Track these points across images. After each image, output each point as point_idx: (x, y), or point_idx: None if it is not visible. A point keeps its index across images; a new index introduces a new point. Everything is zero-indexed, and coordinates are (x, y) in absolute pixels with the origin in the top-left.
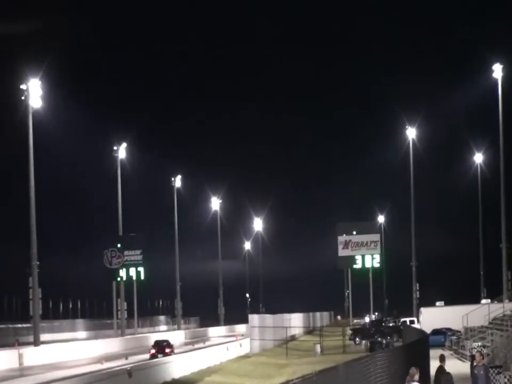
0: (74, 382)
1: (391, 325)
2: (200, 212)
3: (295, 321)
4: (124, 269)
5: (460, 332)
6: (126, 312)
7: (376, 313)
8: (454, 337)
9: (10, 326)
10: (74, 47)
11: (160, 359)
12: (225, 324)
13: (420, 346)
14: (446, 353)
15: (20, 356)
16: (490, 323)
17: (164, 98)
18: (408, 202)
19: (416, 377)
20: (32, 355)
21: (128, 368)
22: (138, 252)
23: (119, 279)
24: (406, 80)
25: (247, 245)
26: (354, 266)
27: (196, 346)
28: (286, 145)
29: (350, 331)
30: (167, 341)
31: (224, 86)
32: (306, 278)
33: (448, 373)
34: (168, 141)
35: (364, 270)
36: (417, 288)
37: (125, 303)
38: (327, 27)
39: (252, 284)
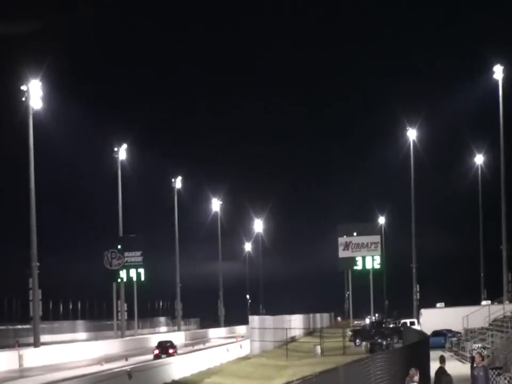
0: None
1: (391, 326)
2: (201, 213)
3: (295, 323)
4: (124, 270)
5: (460, 333)
6: (126, 313)
7: (377, 315)
8: (454, 339)
9: (10, 327)
10: (74, 48)
11: (160, 360)
12: (225, 325)
13: (420, 347)
14: (446, 354)
15: (20, 357)
16: (490, 324)
17: (164, 98)
18: (409, 204)
19: (416, 378)
20: (32, 356)
21: (128, 370)
22: (138, 253)
23: (119, 280)
24: (406, 81)
25: (247, 246)
26: (355, 267)
27: (196, 347)
28: (286, 145)
29: (350, 332)
30: (170, 342)
31: (224, 85)
32: (307, 279)
33: (448, 375)
34: (168, 141)
35: (364, 272)
36: (418, 289)
37: (125, 304)
38: (327, 27)
39: (252, 285)
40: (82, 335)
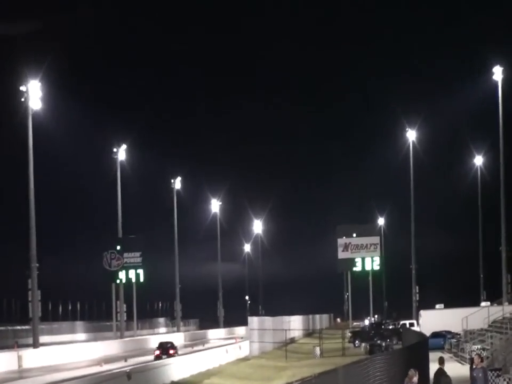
0: None
1: (390, 327)
2: (200, 214)
3: (295, 324)
4: (123, 271)
5: (459, 334)
6: (125, 314)
7: (376, 316)
8: (453, 340)
9: (9, 328)
10: (74, 48)
11: (160, 361)
12: (224, 326)
13: (419, 349)
14: (446, 356)
15: (19, 358)
16: (489, 326)
17: (164, 98)
18: (408, 204)
19: (415, 379)
20: (31, 357)
21: (128, 371)
22: (137, 254)
23: (118, 281)
24: (406, 81)
25: (247, 247)
26: (354, 269)
27: (195, 348)
28: (286, 145)
29: (349, 334)
30: (171, 343)
31: (224, 85)
32: (306, 281)
33: (448, 376)
34: (168, 141)
35: (363, 273)
36: (417, 290)
37: (124, 305)
38: (327, 27)
39: (252, 286)
40: (81, 336)
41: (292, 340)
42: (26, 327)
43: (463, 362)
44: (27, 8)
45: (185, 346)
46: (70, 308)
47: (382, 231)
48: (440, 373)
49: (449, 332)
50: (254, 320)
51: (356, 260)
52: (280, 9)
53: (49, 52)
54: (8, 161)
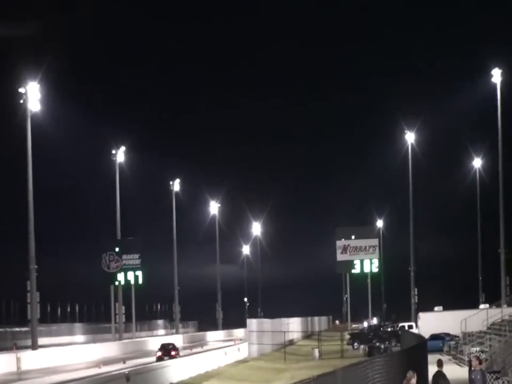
0: None
1: (389, 329)
2: (199, 216)
3: (293, 326)
4: (122, 273)
5: (458, 337)
6: (124, 316)
7: (375, 318)
8: (452, 342)
9: (8, 329)
10: (73, 49)
11: (158, 363)
12: (223, 328)
13: (418, 351)
14: (444, 358)
15: (18, 360)
16: (488, 328)
17: (163, 99)
18: (407, 207)
19: (413, 381)
20: (30, 359)
21: (126, 372)
22: (136, 256)
23: (117, 283)
24: (406, 81)
25: (246, 249)
26: (353, 271)
27: (194, 350)
28: (286, 146)
29: (348, 336)
30: (172, 344)
31: (223, 86)
32: (305, 283)
33: (446, 378)
34: (167, 142)
35: (362, 275)
36: (416, 293)
37: (123, 307)
38: (327, 27)
39: (250, 288)
40: (80, 337)
41: (291, 342)
42: (25, 328)
43: (461, 364)
44: (26, 9)
45: (184, 348)
46: (68, 309)
47: (381, 233)
48: (439, 375)
49: (448, 334)
50: (252, 322)
51: (355, 262)
52: (280, 8)
53: (48, 53)
54: (7, 162)
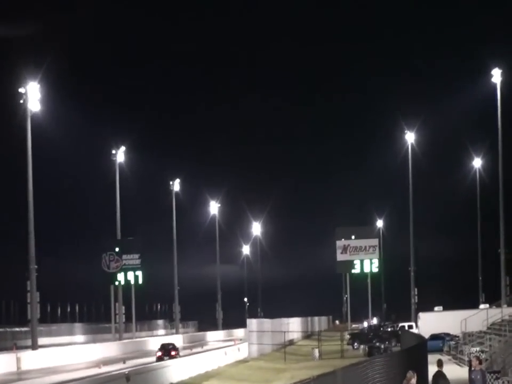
0: None
1: (389, 329)
2: (199, 216)
3: (294, 326)
4: (122, 273)
5: (458, 337)
6: (124, 316)
7: (375, 318)
8: (452, 342)
9: (8, 329)
10: (73, 49)
11: (158, 363)
12: (223, 328)
13: (418, 351)
14: (444, 358)
15: (18, 360)
16: (488, 328)
17: (162, 99)
18: (407, 207)
19: (413, 381)
20: (30, 359)
21: (126, 372)
22: (136, 255)
23: (117, 283)
24: (406, 81)
25: (246, 249)
26: (353, 271)
27: (194, 350)
28: (286, 146)
29: (348, 336)
30: (172, 344)
31: (223, 86)
32: (305, 282)
33: (446, 378)
34: (167, 142)
35: (362, 275)
36: (416, 293)
37: (123, 307)
38: (327, 27)
39: (250, 288)
40: (80, 337)
41: (291, 342)
42: (25, 328)
43: (461, 364)
44: (26, 9)
45: (184, 348)
46: (68, 309)
47: (381, 233)
48: (439, 375)
49: (448, 334)
50: (252, 322)
51: (355, 262)
52: (280, 8)
53: (48, 53)
54: (7, 162)
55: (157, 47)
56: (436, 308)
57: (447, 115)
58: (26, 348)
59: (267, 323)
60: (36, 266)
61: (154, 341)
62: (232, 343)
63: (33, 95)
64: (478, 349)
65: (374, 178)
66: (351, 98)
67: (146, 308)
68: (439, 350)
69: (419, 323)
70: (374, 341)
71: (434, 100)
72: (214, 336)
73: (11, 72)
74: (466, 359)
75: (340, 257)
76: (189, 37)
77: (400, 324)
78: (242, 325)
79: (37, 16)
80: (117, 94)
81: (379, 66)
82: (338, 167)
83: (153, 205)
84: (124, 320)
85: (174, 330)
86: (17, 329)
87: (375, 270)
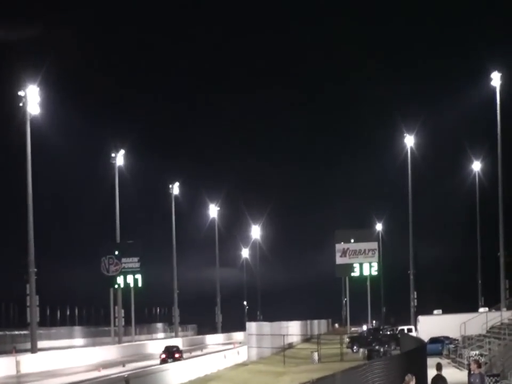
0: None
1: (388, 333)
2: (198, 219)
3: (293, 329)
4: (122, 276)
5: (457, 340)
6: (123, 319)
7: (374, 321)
8: (451, 346)
9: (7, 333)
10: (72, 53)
11: (158, 366)
12: (222, 332)
13: (417, 354)
14: (444, 361)
15: (17, 363)
16: (488, 332)
17: (162, 101)
18: (406, 210)
19: None
20: (30, 362)
21: (126, 376)
22: (135, 259)
23: (116, 286)
24: (406, 82)
25: (245, 253)
26: (352, 274)
27: (194, 353)
28: (286, 149)
29: (347, 339)
30: (176, 347)
31: (222, 87)
32: (304, 286)
33: (445, 382)
34: (166, 145)
35: (361, 278)
36: (415, 296)
37: (123, 311)
38: (327, 27)
39: (250, 291)
40: (79, 341)
41: (290, 345)
42: (25, 332)
43: (461, 368)
44: (25, 12)
45: (184, 351)
46: (68, 313)
47: (380, 236)
48: (438, 378)
49: (447, 338)
50: (252, 326)
51: (354, 265)
52: (280, 8)
53: (48, 56)
54: (7, 166)
55: (157, 46)
56: (435, 311)
57: (447, 118)
58: (25, 351)
59: (266, 326)
60: (36, 270)
61: (153, 344)
62: (231, 346)
63: (32, 98)
64: (477, 352)
65: (373, 182)
66: (351, 99)
67: (146, 311)
68: (439, 354)
69: (418, 326)
70: (373, 344)
71: (433, 102)
72: (213, 340)
73: (10, 75)
74: (466, 362)
75: (339, 260)
76: (188, 37)
77: (400, 327)
78: (242, 328)
79: (36, 19)
80: (117, 96)
81: (379, 67)
82: (338, 170)
83: (152, 208)
84: (123, 323)
85: (173, 334)
86: (16, 332)
87: (374, 273)
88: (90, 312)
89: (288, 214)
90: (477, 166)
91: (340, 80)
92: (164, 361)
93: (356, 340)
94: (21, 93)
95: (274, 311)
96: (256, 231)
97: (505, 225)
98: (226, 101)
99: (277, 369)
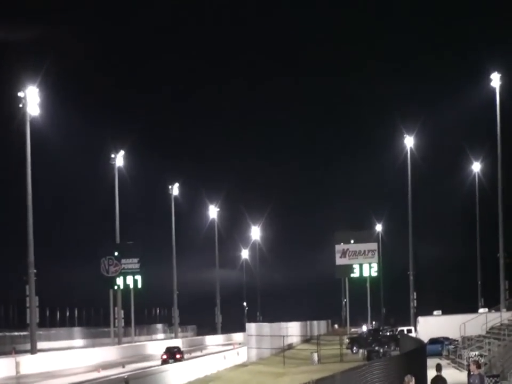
0: None
1: (388, 334)
2: (198, 220)
3: (293, 330)
4: (121, 277)
5: (457, 341)
6: (123, 320)
7: (374, 322)
8: (451, 347)
9: (7, 334)
10: (72, 54)
11: (158, 367)
12: (222, 333)
13: (417, 355)
14: (443, 362)
15: (17, 364)
16: (487, 332)
17: (161, 101)
18: (406, 211)
19: None
20: (29, 363)
21: (125, 377)
22: (135, 260)
23: (116, 287)
24: (406, 82)
25: (245, 253)
26: (352, 275)
27: (193, 354)
28: (285, 150)
29: (347, 340)
30: (177, 347)
31: (221, 88)
32: (304, 287)
33: (445, 382)
34: (166, 146)
35: (361, 279)
36: (415, 297)
37: (122, 311)
38: (327, 27)
39: (249, 292)
40: (79, 342)
41: (290, 346)
42: (24, 333)
43: (460, 369)
44: (25, 13)
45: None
46: (67, 313)
47: (380, 237)
48: (438, 379)
49: (447, 338)
50: (251, 327)
51: (354, 266)
52: (280, 8)
53: (47, 56)
54: (6, 167)
55: (157, 47)
56: (435, 312)
57: (447, 118)
58: (25, 352)
59: (266, 327)
60: (35, 271)
61: (153, 345)
62: (231, 347)
63: (32, 99)
64: (477, 353)
65: (373, 182)
66: (351, 98)
67: (145, 312)
68: (438, 354)
69: (418, 327)
70: (373, 345)
71: (433, 103)
72: (213, 340)
73: (10, 76)
74: (465, 363)
75: (339, 261)
76: (188, 37)
77: (399, 328)
78: (241, 329)
79: (36, 20)
80: (116, 97)
81: (379, 66)
82: (337, 170)
83: (152, 209)
84: (123, 324)
85: (173, 335)
86: (16, 333)
87: (374, 274)
88: (90, 313)
89: (288, 214)
90: (476, 166)
91: (340, 80)
92: (165, 361)
93: (356, 341)
94: (20, 94)
95: (274, 312)
96: (256, 232)
97: (505, 226)
98: (226, 101)
99: (277, 370)
